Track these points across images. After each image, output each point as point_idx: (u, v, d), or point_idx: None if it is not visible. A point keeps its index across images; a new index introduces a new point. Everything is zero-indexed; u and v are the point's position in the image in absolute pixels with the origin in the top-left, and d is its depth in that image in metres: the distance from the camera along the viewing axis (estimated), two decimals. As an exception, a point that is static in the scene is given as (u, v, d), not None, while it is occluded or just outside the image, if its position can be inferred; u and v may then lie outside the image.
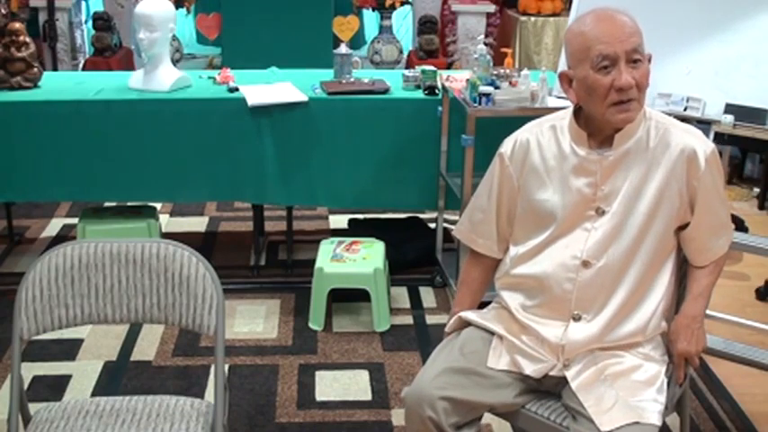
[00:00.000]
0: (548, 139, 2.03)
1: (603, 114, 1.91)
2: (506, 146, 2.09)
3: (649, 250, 1.98)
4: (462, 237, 2.21)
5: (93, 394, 2.90)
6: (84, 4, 6.25)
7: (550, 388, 2.03)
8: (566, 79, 1.98)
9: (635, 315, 1.99)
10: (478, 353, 2.04)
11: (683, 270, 2.09)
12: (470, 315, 2.14)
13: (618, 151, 1.96)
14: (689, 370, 2.05)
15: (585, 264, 1.97)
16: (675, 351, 2.01)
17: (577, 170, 1.98)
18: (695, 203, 1.98)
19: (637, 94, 1.90)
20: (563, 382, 1.99)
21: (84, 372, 3.03)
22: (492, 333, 2.08)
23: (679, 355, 2.01)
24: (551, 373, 2.00)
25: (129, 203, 3.87)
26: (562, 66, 3.35)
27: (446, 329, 2.21)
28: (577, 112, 2.02)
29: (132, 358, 3.13)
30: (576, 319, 1.99)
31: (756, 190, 4.88)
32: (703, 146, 1.96)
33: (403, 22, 6.86)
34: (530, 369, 2.00)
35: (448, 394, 1.95)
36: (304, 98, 3.51)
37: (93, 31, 5.92)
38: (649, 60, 1.94)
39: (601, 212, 1.97)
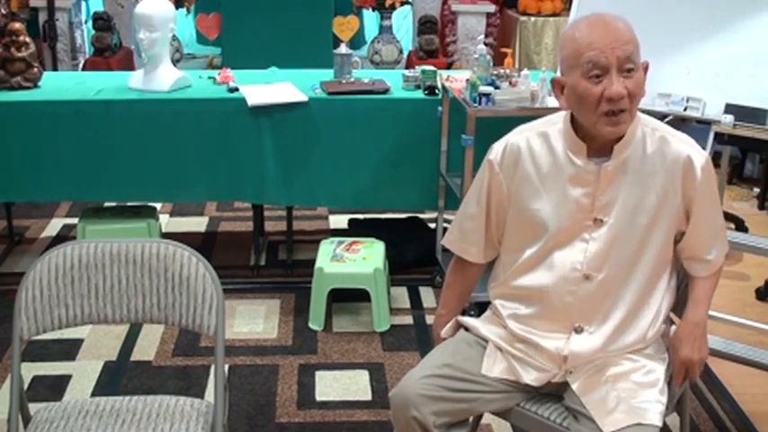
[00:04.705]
0: (539, 146, 1.97)
1: (594, 124, 1.86)
2: (495, 151, 2.02)
3: (650, 261, 1.96)
4: (453, 247, 2.15)
5: (93, 394, 2.90)
6: (84, 4, 6.25)
7: (550, 391, 2.02)
8: (557, 86, 1.92)
9: (637, 324, 1.97)
10: (471, 360, 2.02)
11: (683, 270, 2.09)
12: (467, 320, 2.12)
13: (616, 161, 1.91)
14: (686, 383, 2.04)
15: (587, 277, 1.94)
16: (678, 358, 1.99)
17: (574, 180, 1.93)
18: (691, 212, 1.95)
19: (629, 105, 1.83)
20: (564, 385, 1.98)
21: (84, 372, 3.03)
22: (487, 340, 2.06)
23: (681, 362, 1.99)
24: (552, 381, 1.99)
25: (129, 203, 3.87)
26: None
27: (442, 335, 2.17)
28: (574, 119, 1.95)
29: (132, 358, 3.13)
30: (579, 330, 1.96)
31: (756, 190, 4.88)
32: (698, 155, 1.92)
33: (403, 22, 6.86)
34: (529, 378, 1.98)
35: (433, 394, 1.93)
36: (304, 98, 3.51)
37: (93, 31, 5.91)
38: (646, 69, 1.88)
39: (599, 223, 1.94)
